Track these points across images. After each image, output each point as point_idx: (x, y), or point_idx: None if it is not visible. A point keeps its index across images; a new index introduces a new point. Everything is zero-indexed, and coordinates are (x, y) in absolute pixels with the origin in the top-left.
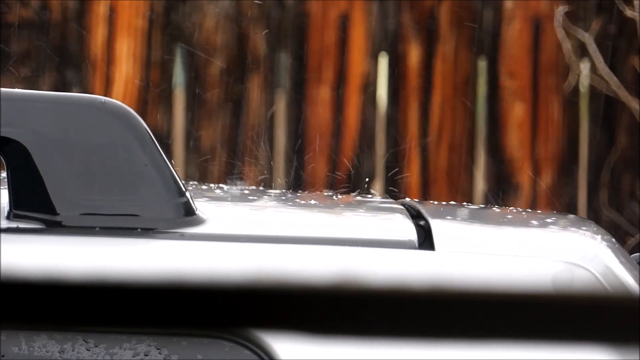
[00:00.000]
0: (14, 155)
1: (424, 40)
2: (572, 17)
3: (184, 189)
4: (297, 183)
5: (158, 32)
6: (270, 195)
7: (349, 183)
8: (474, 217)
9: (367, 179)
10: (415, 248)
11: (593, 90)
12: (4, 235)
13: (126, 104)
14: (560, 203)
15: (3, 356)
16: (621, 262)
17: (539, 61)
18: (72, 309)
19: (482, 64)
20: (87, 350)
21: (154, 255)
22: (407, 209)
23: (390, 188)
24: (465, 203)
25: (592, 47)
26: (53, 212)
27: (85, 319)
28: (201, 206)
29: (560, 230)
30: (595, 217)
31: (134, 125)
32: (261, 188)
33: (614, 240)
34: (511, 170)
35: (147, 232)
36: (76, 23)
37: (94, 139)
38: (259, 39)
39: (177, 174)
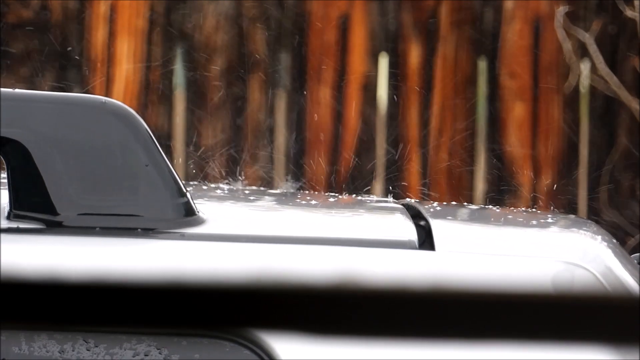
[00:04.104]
0: (14, 156)
1: (424, 40)
2: (572, 17)
3: (184, 189)
4: (298, 183)
5: (158, 33)
6: (271, 196)
7: (349, 183)
8: (474, 218)
9: (367, 179)
10: (416, 248)
11: (593, 91)
12: (4, 236)
13: (126, 104)
14: (560, 203)
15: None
16: (621, 263)
17: (539, 61)
18: (72, 309)
19: (482, 64)
20: (87, 350)
21: (155, 256)
22: (407, 209)
23: (390, 188)
24: (465, 203)
25: (593, 48)
26: (53, 212)
27: (86, 319)
28: (201, 206)
29: (560, 230)
30: (595, 217)
31: (134, 125)
32: (261, 188)
33: (614, 240)
34: (511, 170)
35: (148, 232)
36: (76, 23)
37: (94, 139)
38: (259, 39)
39: (177, 174)
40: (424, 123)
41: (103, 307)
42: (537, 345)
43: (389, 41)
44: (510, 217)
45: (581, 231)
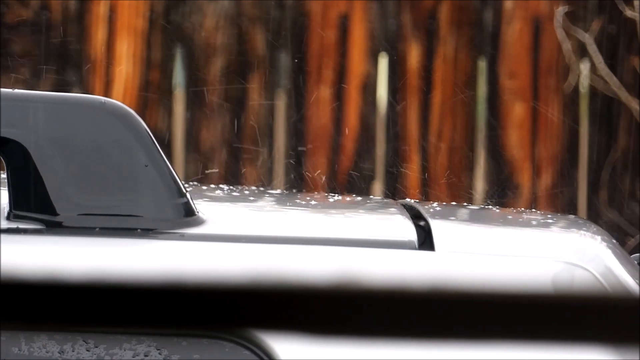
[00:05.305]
0: (14, 156)
1: (424, 40)
2: (572, 18)
3: (183, 190)
4: (297, 183)
5: (158, 32)
6: (270, 196)
7: (349, 183)
8: (474, 218)
9: (367, 179)
10: (415, 248)
11: (593, 91)
12: (4, 236)
13: (126, 104)
14: (560, 203)
15: None
16: (621, 263)
17: (539, 61)
18: (72, 309)
19: (482, 64)
20: (87, 350)
21: (154, 256)
22: (407, 210)
23: (390, 188)
24: (465, 203)
25: (592, 48)
26: (53, 212)
27: (86, 320)
28: (201, 207)
29: (560, 230)
30: (595, 218)
31: (133, 125)
32: (261, 188)
33: (613, 240)
34: (511, 171)
35: (147, 232)
36: (76, 23)
37: (93, 139)
38: (259, 39)
39: (177, 174)
40: (424, 123)
41: (103, 308)
42: (537, 345)
43: (389, 41)
44: (510, 217)
45: (581, 231)
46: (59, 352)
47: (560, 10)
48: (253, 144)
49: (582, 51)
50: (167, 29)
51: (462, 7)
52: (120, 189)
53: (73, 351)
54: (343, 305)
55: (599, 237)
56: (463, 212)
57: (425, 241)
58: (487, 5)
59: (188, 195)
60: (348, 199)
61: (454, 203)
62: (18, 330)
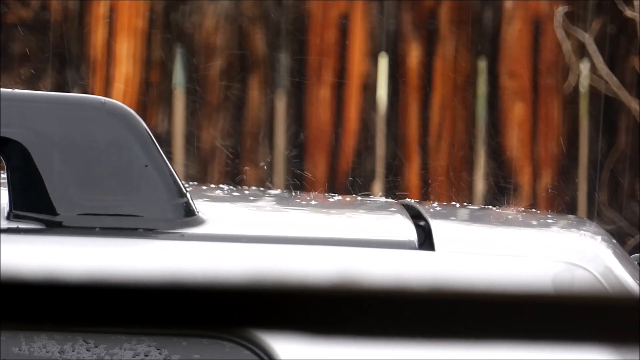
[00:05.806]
0: (14, 156)
1: (424, 40)
2: (572, 18)
3: (184, 190)
4: (297, 183)
5: (158, 32)
6: (270, 196)
7: (349, 183)
8: (473, 218)
9: (367, 179)
10: (415, 248)
11: (593, 91)
12: (4, 236)
13: (126, 104)
14: (560, 203)
15: None
16: (621, 263)
17: (539, 61)
18: (72, 309)
19: (482, 64)
20: (87, 350)
21: (154, 256)
22: (407, 209)
23: (390, 188)
24: (465, 203)
25: (592, 48)
26: (53, 212)
27: (86, 320)
28: (201, 207)
29: (560, 230)
30: (595, 218)
31: (133, 125)
32: (261, 188)
33: (613, 240)
34: (511, 171)
35: (147, 232)
36: (76, 23)
37: (93, 139)
38: (259, 39)
39: (177, 174)
40: (424, 123)
41: (103, 308)
42: (537, 345)
43: (389, 41)
44: (510, 217)
45: (581, 231)
46: (59, 352)
47: (560, 10)
48: (253, 144)
49: (582, 51)
50: (168, 28)
51: (462, 7)
52: (120, 189)
53: (73, 351)
54: (343, 305)
55: (599, 237)
56: (463, 212)
57: (425, 241)
58: (487, 5)
59: (188, 195)
60: (348, 199)
61: (454, 203)
62: (18, 330)
